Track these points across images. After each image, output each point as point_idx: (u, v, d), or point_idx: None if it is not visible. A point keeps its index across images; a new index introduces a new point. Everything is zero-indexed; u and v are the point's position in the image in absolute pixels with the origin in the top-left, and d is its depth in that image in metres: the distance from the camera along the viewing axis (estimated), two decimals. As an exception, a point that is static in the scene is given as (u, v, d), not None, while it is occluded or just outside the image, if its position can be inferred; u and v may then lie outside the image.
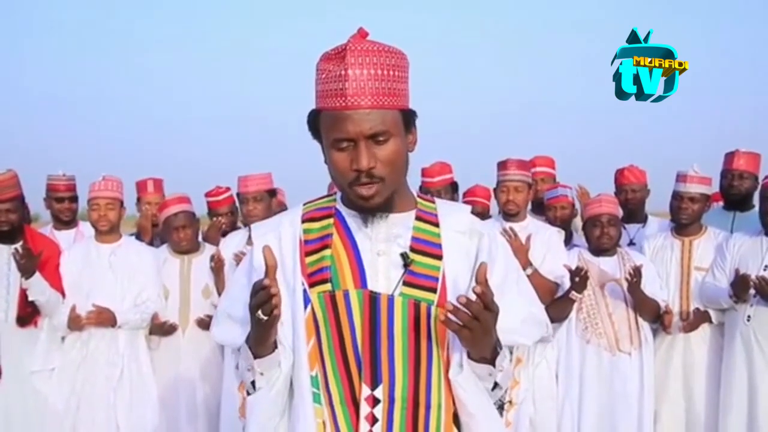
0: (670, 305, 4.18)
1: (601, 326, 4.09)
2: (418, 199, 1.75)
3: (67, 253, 4.37)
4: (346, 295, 1.64)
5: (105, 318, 4.20)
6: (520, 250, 3.97)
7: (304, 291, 1.65)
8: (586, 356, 4.10)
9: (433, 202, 1.77)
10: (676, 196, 4.34)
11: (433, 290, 1.65)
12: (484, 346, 1.58)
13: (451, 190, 4.72)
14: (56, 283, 4.18)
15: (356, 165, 1.58)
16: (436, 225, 1.71)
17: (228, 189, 4.87)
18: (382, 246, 1.67)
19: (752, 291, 3.95)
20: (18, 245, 4.07)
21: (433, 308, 1.64)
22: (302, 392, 1.64)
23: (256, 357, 1.61)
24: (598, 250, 4.20)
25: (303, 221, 1.73)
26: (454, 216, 1.75)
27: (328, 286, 1.65)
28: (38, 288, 4.06)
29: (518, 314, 1.68)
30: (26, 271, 4.01)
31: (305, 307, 1.65)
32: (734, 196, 4.60)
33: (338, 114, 1.57)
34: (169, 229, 4.50)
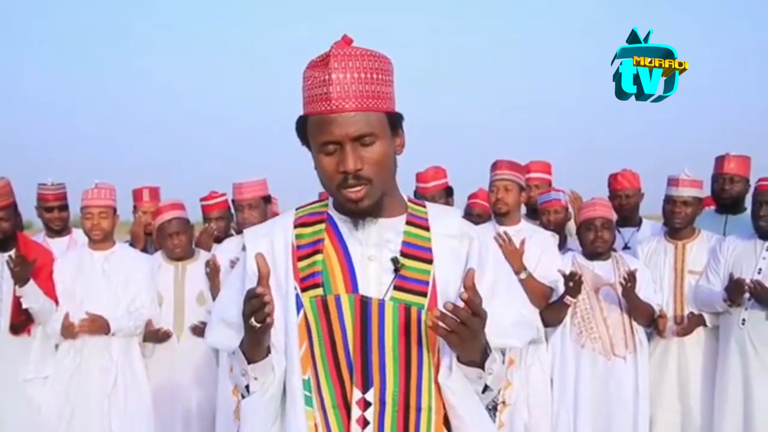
0: (664, 309, 4.19)
1: (596, 330, 4.09)
2: (409, 204, 1.77)
3: (60, 260, 4.36)
4: (338, 299, 1.66)
5: (98, 325, 4.18)
6: (515, 255, 3.97)
7: (297, 296, 1.67)
8: (581, 361, 4.10)
9: (424, 206, 1.79)
10: (669, 201, 4.35)
11: (424, 294, 1.67)
12: (472, 350, 1.60)
13: (446, 194, 4.72)
14: (50, 291, 4.17)
15: (343, 167, 1.59)
16: (427, 229, 1.73)
17: (223, 194, 4.86)
18: (373, 251, 1.69)
19: (747, 295, 3.96)
20: (11, 253, 4.06)
21: (423, 312, 1.65)
22: (294, 395, 1.65)
23: (249, 362, 1.62)
24: (592, 254, 4.21)
25: (295, 226, 1.74)
26: (444, 220, 1.76)
27: (319, 291, 1.66)
28: (32, 296, 4.05)
29: (509, 317, 1.70)
30: (21, 279, 4.00)
31: (298, 312, 1.66)
32: (726, 199, 4.62)
33: (324, 118, 1.60)
34: (163, 236, 4.49)
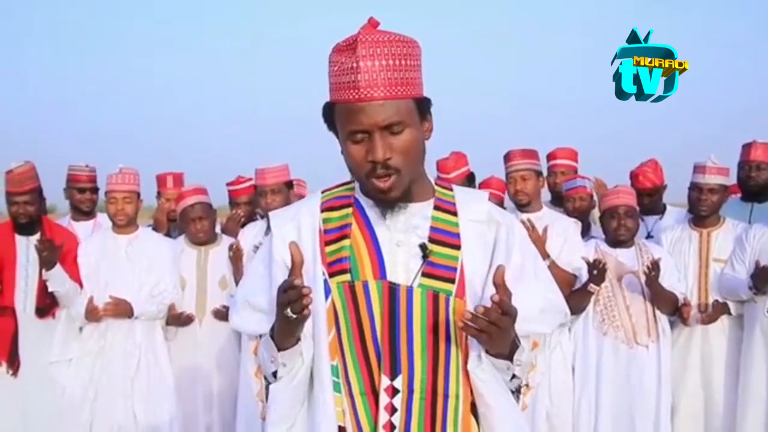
0: (688, 297, 4.15)
1: (619, 319, 4.06)
2: (436, 188, 1.76)
3: (84, 244, 4.39)
4: (366, 285, 1.65)
5: (122, 309, 4.23)
6: (538, 242, 3.94)
7: (325, 281, 1.66)
8: (603, 349, 4.07)
9: (451, 190, 1.77)
10: (695, 188, 4.30)
11: (452, 281, 1.66)
12: (501, 346, 1.60)
13: (468, 182, 4.68)
14: (74, 275, 4.21)
15: (371, 156, 1.58)
16: (455, 214, 1.72)
17: (250, 179, 4.88)
18: (401, 237, 1.68)
19: (772, 283, 3.91)
20: (36, 236, 4.10)
21: (451, 299, 1.65)
22: (322, 381, 1.64)
23: (279, 349, 1.61)
24: (615, 242, 4.18)
25: (322, 210, 1.73)
26: (472, 204, 1.75)
27: (347, 277, 1.65)
28: (58, 279, 4.09)
29: (536, 303, 1.69)
30: (48, 263, 4.03)
31: (326, 298, 1.65)
32: (752, 187, 4.57)
33: (352, 106, 1.57)
34: (186, 221, 4.51)
